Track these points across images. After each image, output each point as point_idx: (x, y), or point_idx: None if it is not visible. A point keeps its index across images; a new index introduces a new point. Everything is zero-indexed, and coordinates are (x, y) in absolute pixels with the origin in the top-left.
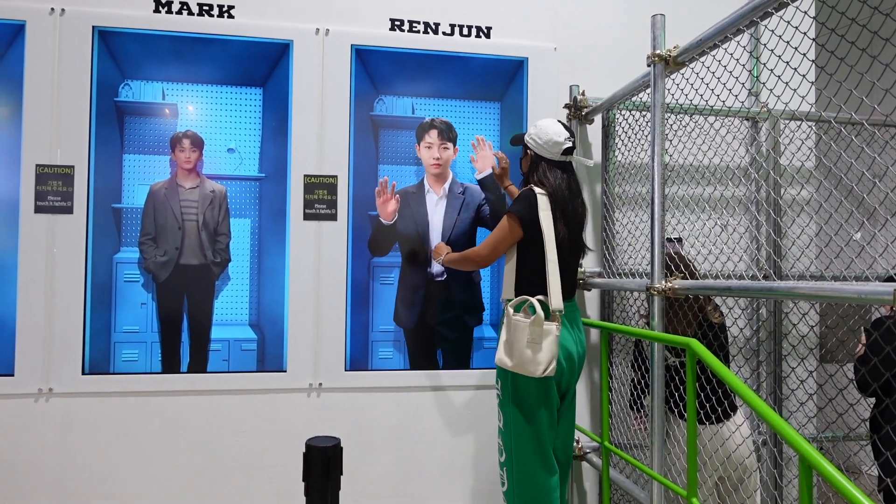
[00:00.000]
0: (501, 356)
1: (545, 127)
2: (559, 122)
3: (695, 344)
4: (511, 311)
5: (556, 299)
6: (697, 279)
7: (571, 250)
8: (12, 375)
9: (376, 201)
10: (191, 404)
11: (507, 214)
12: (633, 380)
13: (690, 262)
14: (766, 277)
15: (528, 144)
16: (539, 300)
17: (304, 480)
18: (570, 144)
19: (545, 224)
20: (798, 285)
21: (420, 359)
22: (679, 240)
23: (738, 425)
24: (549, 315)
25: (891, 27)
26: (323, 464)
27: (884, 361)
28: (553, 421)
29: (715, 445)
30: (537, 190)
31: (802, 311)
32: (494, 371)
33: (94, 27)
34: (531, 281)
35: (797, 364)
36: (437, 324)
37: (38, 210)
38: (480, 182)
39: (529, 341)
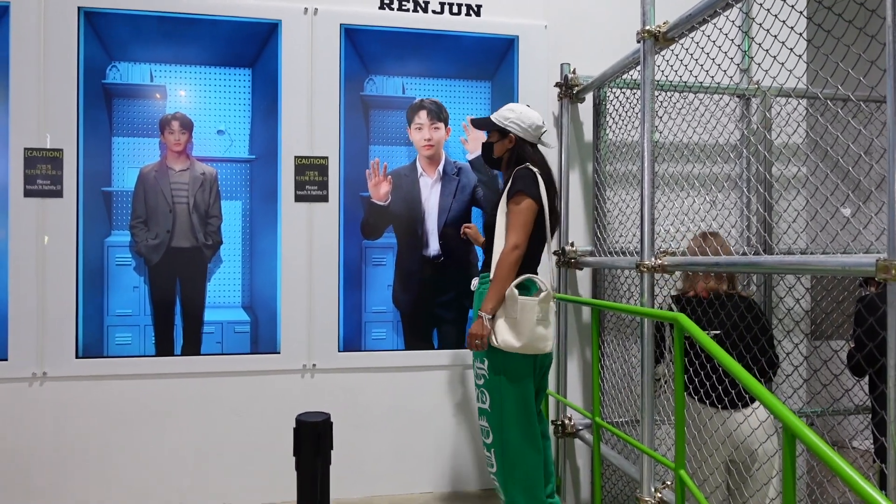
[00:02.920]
0: (507, 338)
1: (525, 112)
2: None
3: (682, 319)
4: (517, 291)
5: (548, 277)
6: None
7: (552, 228)
8: (6, 360)
9: (368, 183)
10: (185, 386)
11: (520, 194)
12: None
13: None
14: (756, 254)
15: (511, 129)
16: (538, 279)
17: (294, 455)
18: (546, 129)
19: (545, 201)
20: (784, 259)
21: (415, 339)
22: (715, 234)
23: (747, 416)
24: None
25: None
26: (313, 438)
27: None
28: (535, 397)
29: (728, 431)
30: (533, 168)
31: (789, 285)
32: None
33: (79, 8)
34: (525, 259)
35: (783, 337)
36: (435, 305)
37: (27, 194)
38: (471, 162)
39: (540, 319)
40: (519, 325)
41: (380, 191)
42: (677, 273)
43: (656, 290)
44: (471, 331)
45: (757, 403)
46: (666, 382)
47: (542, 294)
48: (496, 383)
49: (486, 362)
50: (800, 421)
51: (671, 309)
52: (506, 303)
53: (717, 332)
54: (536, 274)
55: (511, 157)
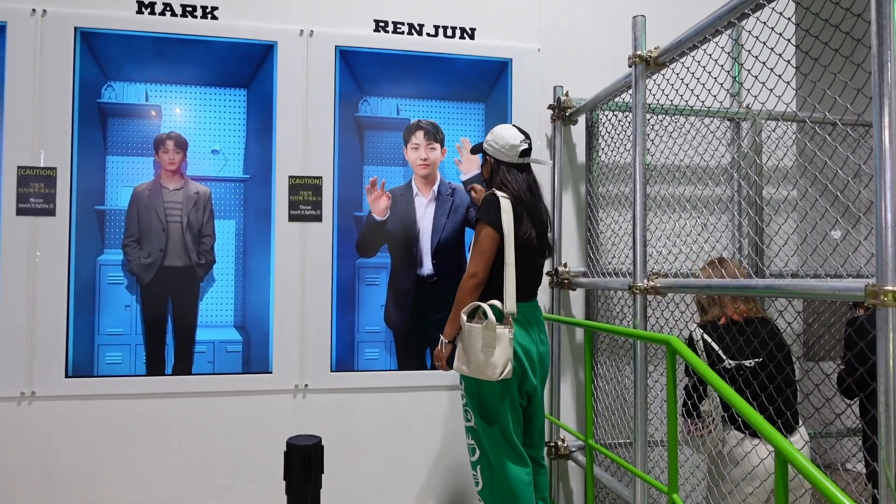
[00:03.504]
0: (458, 363)
1: (500, 132)
2: (514, 126)
3: (674, 341)
4: (464, 317)
5: (510, 303)
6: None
7: (538, 250)
8: None
9: (367, 199)
10: (176, 406)
11: (479, 223)
12: (686, 386)
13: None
14: (747, 276)
15: (486, 150)
16: (491, 304)
17: (284, 479)
18: (525, 146)
19: (507, 228)
20: (775, 283)
21: (408, 359)
22: (723, 260)
23: (794, 442)
24: (501, 319)
25: (862, 28)
26: (304, 462)
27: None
28: (519, 419)
29: (752, 460)
30: (499, 194)
31: (780, 308)
32: None
33: (76, 28)
34: (490, 284)
35: (775, 360)
36: (428, 324)
37: (19, 212)
38: (465, 183)
39: (483, 346)
40: (466, 352)
41: (379, 205)
42: (688, 297)
43: (649, 312)
44: (434, 352)
45: (799, 435)
46: (713, 421)
47: (486, 322)
48: (473, 404)
49: (463, 384)
50: (791, 445)
51: (691, 339)
52: (461, 329)
53: (757, 360)
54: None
55: (491, 178)
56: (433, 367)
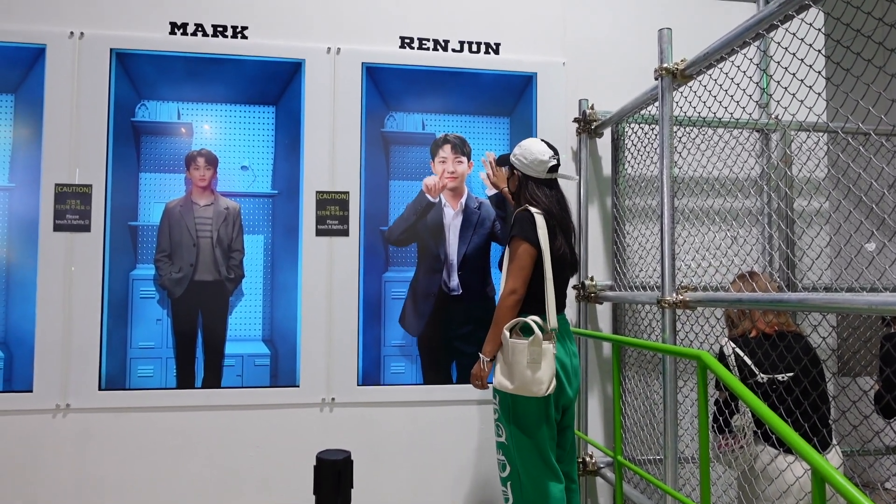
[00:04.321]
0: (501, 380)
1: (529, 146)
2: (543, 140)
3: (705, 356)
4: (507, 333)
5: (552, 318)
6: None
7: (571, 265)
8: (31, 391)
9: (427, 181)
10: (205, 419)
11: (515, 239)
12: (717, 400)
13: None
14: (779, 289)
15: (514, 164)
16: (534, 320)
17: (314, 493)
18: (554, 162)
19: (543, 244)
20: (808, 297)
21: (434, 372)
22: (754, 274)
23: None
24: (544, 333)
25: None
26: (333, 477)
27: None
28: (553, 435)
29: (786, 477)
30: (532, 210)
31: (814, 322)
32: None
33: (111, 49)
34: (528, 300)
35: (809, 376)
36: (454, 338)
37: (56, 228)
38: (490, 198)
39: (530, 362)
40: (511, 368)
41: (435, 189)
42: (718, 312)
43: (678, 326)
44: (472, 371)
45: (834, 453)
46: (745, 436)
47: (532, 337)
48: (508, 420)
49: (498, 398)
50: (828, 464)
51: (721, 354)
52: (502, 345)
53: (790, 374)
54: (543, 313)
55: (519, 193)
56: (459, 381)
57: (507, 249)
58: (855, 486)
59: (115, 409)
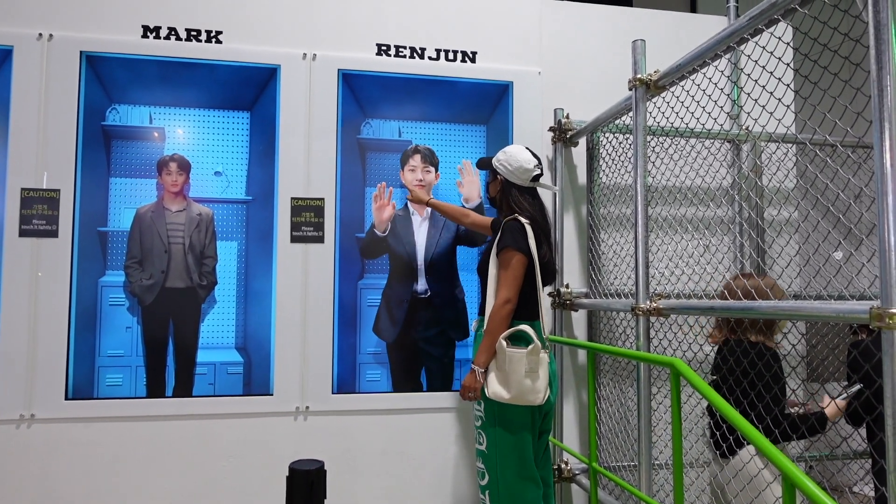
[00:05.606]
0: (497, 389)
1: (515, 154)
2: (527, 148)
3: (678, 363)
4: (505, 343)
5: (547, 326)
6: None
7: (552, 272)
8: None
9: (372, 207)
10: (176, 429)
11: (508, 249)
12: (709, 424)
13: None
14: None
15: (498, 171)
16: (524, 330)
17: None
18: (538, 171)
19: (534, 252)
20: (779, 304)
21: (404, 379)
22: (749, 274)
23: (747, 460)
24: (543, 343)
25: (860, 52)
26: (306, 487)
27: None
28: (535, 441)
29: (726, 478)
30: (521, 219)
31: (784, 330)
32: None
33: (81, 52)
34: (518, 308)
35: (779, 382)
36: (421, 340)
37: (22, 234)
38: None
39: (528, 371)
40: (508, 378)
41: (382, 215)
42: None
43: (652, 333)
44: (463, 382)
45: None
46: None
47: (531, 347)
48: (492, 428)
49: (483, 406)
50: (797, 468)
51: (718, 366)
52: (496, 355)
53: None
54: (536, 320)
55: (501, 199)
56: (430, 388)
57: (492, 256)
58: (824, 490)
59: (82, 419)
